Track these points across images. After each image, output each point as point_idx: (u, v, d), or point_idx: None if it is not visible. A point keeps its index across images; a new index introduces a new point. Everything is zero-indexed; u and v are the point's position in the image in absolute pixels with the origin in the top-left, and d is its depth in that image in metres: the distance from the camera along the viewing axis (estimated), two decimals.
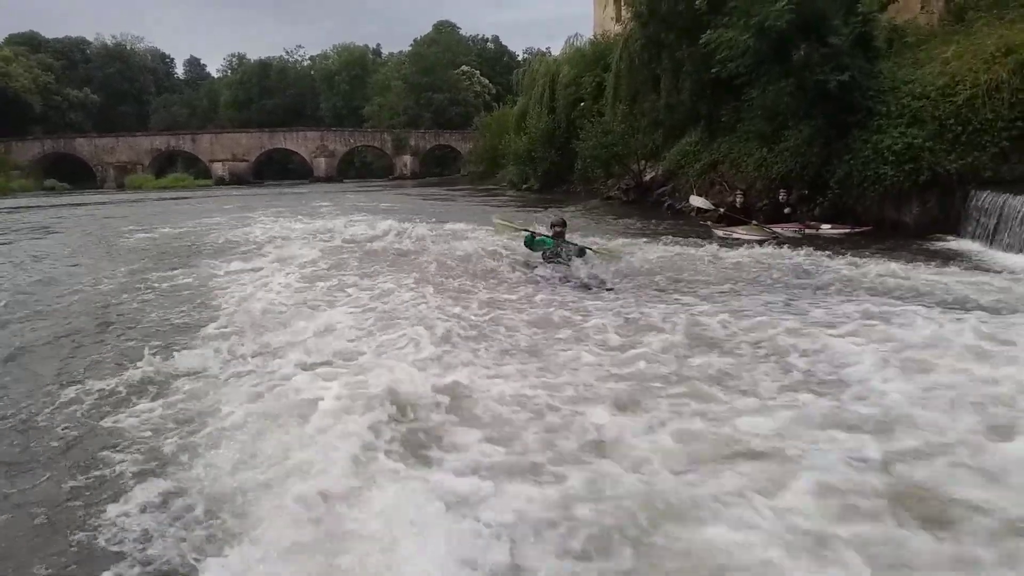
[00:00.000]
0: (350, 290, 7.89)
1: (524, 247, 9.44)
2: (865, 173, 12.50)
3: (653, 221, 16.11)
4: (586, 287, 7.83)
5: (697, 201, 15.02)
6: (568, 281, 8.08)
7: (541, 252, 9.11)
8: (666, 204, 19.09)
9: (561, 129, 27.70)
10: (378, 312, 6.67)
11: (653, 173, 21.51)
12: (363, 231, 13.75)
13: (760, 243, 11.17)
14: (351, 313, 6.64)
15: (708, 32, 14.42)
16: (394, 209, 22.55)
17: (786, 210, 13.13)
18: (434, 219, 16.16)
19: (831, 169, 13.23)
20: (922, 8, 16.26)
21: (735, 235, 12.40)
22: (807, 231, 12.50)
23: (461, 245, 10.97)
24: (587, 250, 8.95)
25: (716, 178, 17.33)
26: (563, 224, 9.13)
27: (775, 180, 14.30)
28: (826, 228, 12.55)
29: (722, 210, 13.50)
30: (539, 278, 8.35)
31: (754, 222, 12.76)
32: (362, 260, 10.22)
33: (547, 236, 9.17)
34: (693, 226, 14.45)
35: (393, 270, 9.11)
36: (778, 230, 12.35)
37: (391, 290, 7.64)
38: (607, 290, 7.68)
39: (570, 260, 8.67)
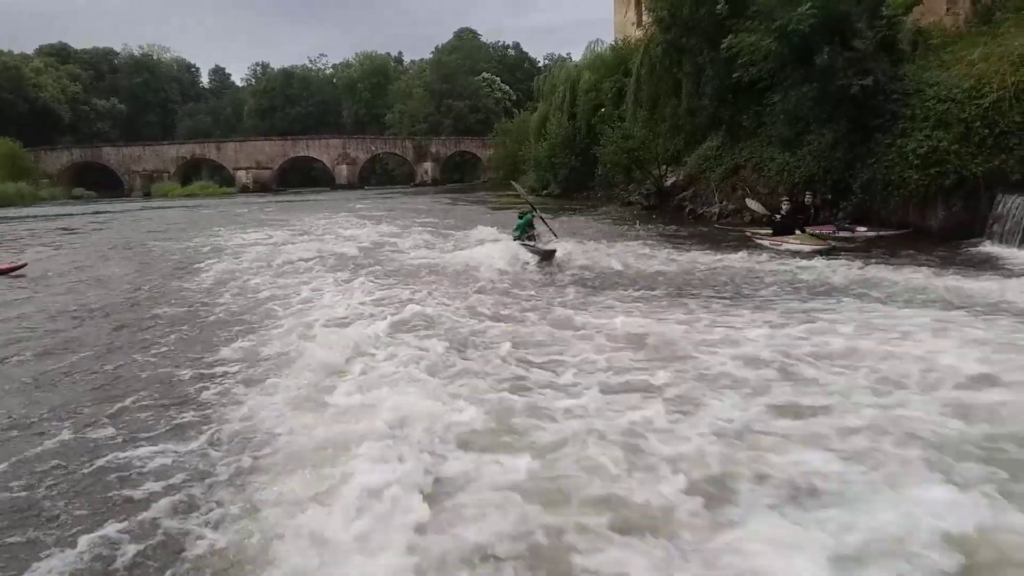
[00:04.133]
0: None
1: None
2: (889, 177, 12.41)
3: (677, 227, 15.98)
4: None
5: (753, 205, 14.83)
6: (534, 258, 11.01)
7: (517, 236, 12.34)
8: (687, 209, 19.02)
9: (581, 135, 27.76)
10: None
11: (674, 178, 21.46)
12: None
13: (822, 253, 10.73)
14: None
15: (730, 37, 14.45)
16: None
17: (811, 211, 13.02)
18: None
19: (854, 173, 13.13)
20: (948, 10, 16.08)
21: (785, 245, 11.71)
22: (841, 233, 12.33)
23: None
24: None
25: (738, 183, 17.25)
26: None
27: (798, 184, 14.22)
28: (861, 230, 12.38)
29: (778, 216, 12.80)
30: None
31: (808, 229, 12.24)
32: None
33: (520, 223, 12.64)
34: (720, 232, 14.37)
35: None
36: (813, 232, 12.12)
37: None
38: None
39: (535, 239, 12.05)
